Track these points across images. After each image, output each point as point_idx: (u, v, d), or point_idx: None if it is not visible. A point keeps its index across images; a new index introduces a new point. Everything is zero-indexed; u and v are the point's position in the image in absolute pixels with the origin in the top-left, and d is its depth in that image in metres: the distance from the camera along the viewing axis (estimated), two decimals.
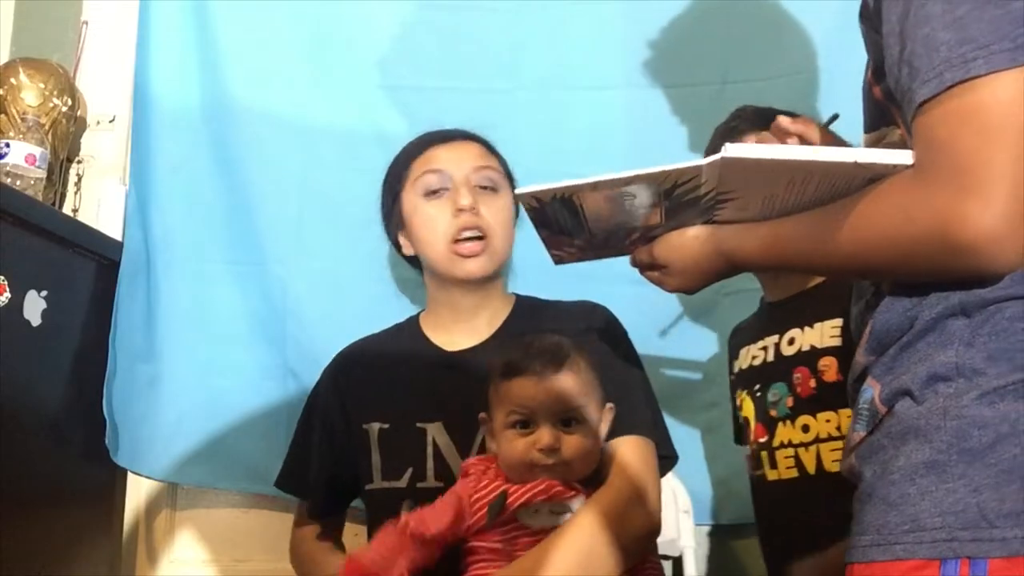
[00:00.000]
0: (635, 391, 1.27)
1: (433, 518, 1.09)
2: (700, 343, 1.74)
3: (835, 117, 1.24)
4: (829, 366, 1.31)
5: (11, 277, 1.39)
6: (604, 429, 1.16)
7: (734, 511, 1.69)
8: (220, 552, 1.78)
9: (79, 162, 1.83)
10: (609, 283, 1.38)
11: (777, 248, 0.84)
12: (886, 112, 0.79)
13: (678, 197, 0.87)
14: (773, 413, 1.38)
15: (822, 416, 1.32)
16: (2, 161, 1.59)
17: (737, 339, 1.54)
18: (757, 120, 1.38)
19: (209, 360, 1.71)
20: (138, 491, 1.78)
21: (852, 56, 0.88)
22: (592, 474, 1.14)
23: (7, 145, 1.61)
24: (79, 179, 1.82)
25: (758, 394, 1.42)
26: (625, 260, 1.03)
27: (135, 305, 1.69)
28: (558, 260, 1.07)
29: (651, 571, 1.18)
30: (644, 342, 1.39)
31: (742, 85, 1.73)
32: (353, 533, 1.47)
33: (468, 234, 1.29)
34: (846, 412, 1.11)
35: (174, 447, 1.67)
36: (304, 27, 1.80)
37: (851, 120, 0.94)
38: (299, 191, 1.75)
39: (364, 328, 1.44)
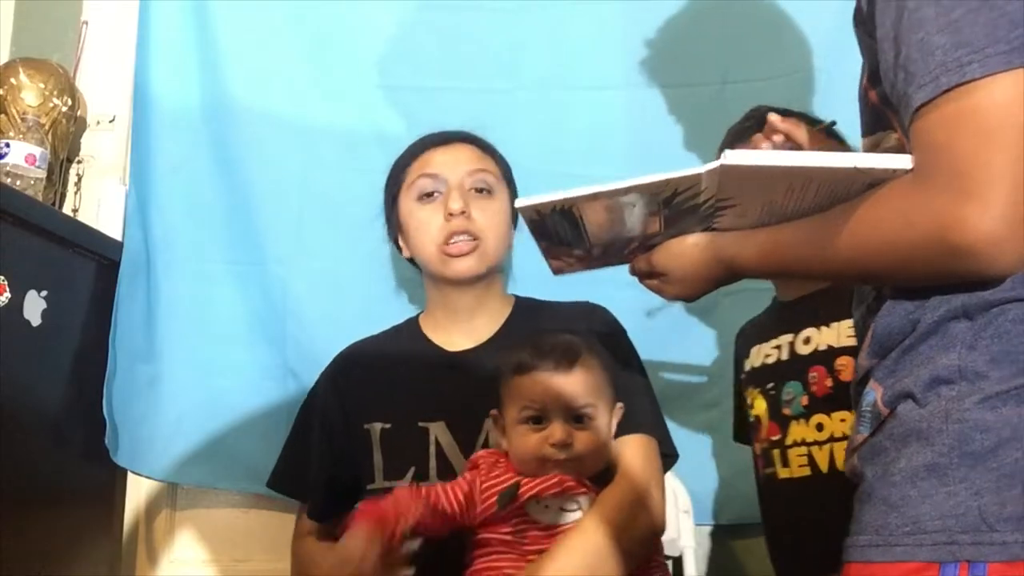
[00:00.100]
0: (637, 390, 1.28)
1: (446, 494, 1.11)
2: (700, 343, 1.74)
3: (832, 124, 1.24)
4: (846, 366, 1.31)
5: (11, 277, 1.39)
6: (614, 427, 1.17)
7: (734, 511, 1.70)
8: (220, 552, 1.78)
9: (79, 162, 1.83)
10: (609, 285, 1.38)
11: (777, 254, 0.84)
12: (882, 116, 0.79)
13: (677, 205, 0.86)
14: (787, 411, 1.39)
15: (837, 415, 1.32)
16: (2, 161, 1.59)
17: (747, 337, 1.54)
18: None
19: (209, 360, 1.71)
20: (138, 491, 1.78)
21: (852, 56, 0.88)
22: (601, 471, 1.16)
23: (7, 145, 1.61)
24: (79, 179, 1.82)
25: (771, 392, 1.42)
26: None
27: (135, 305, 1.69)
28: (557, 270, 1.07)
29: (657, 571, 1.19)
30: (644, 343, 1.39)
31: (742, 85, 1.73)
32: None
33: (459, 238, 1.31)
34: None
35: (174, 447, 1.67)
36: (304, 27, 1.80)
37: (851, 121, 0.93)
38: (299, 191, 1.75)
39: (364, 328, 1.44)
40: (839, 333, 1.34)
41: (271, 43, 1.79)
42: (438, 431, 1.26)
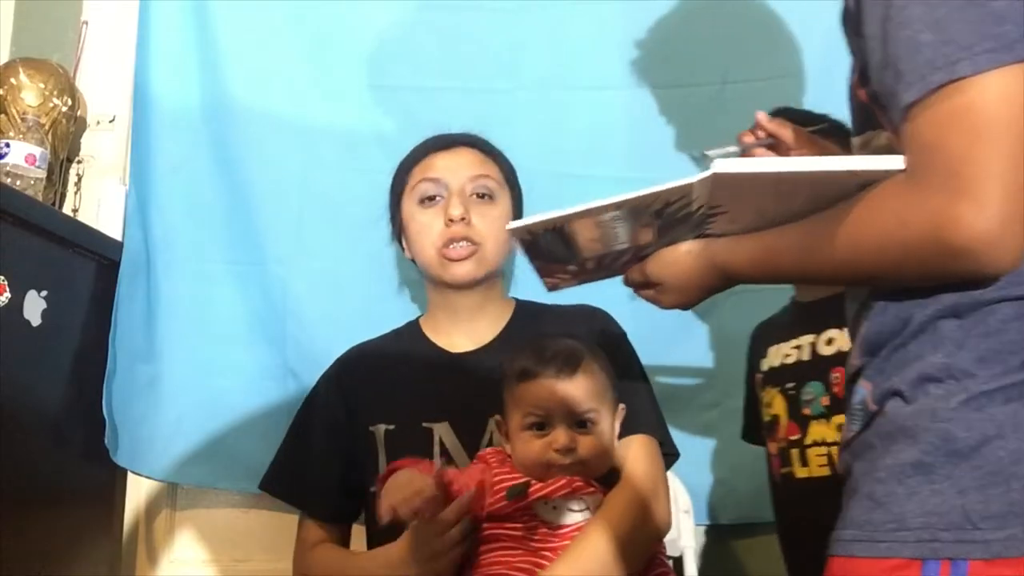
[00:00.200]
0: (638, 391, 1.29)
1: (460, 477, 1.12)
2: (701, 344, 1.74)
3: (824, 126, 1.24)
4: None
5: (11, 277, 1.39)
6: (617, 429, 1.18)
7: (734, 511, 1.70)
8: (220, 552, 1.78)
9: (79, 162, 1.83)
10: (609, 287, 1.38)
11: (770, 259, 0.84)
12: (872, 115, 0.79)
13: (670, 215, 0.86)
14: (806, 411, 1.40)
15: None
16: (2, 161, 1.59)
17: (763, 337, 1.54)
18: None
19: (209, 360, 1.71)
20: (138, 491, 1.78)
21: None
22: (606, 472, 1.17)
23: (7, 145, 1.61)
24: (79, 179, 1.82)
25: (791, 392, 1.43)
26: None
27: (135, 305, 1.69)
28: (552, 287, 1.07)
29: (661, 567, 1.19)
30: (644, 343, 1.38)
31: (742, 85, 1.74)
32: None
33: (458, 243, 1.31)
34: None
35: (174, 447, 1.67)
36: (304, 27, 1.80)
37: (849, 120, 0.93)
38: (299, 191, 1.75)
39: (364, 328, 1.44)
40: None
41: (271, 43, 1.79)
42: (442, 431, 1.26)
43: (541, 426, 1.13)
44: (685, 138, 1.69)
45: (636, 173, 1.47)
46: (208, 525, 1.79)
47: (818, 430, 1.37)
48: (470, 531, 1.11)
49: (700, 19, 1.74)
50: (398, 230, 1.42)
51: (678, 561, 1.54)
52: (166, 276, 1.73)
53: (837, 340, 1.38)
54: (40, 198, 1.62)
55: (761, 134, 1.13)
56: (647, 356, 1.38)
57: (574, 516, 1.12)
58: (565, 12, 1.78)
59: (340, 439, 1.33)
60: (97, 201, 1.78)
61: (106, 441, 1.61)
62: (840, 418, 1.34)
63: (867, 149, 0.82)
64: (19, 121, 1.64)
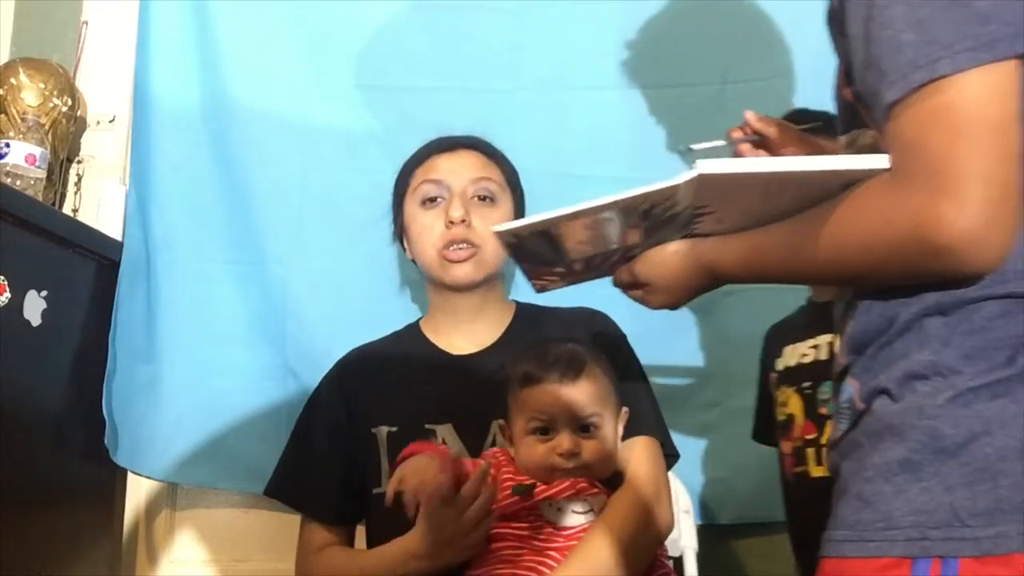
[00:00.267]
0: (639, 393, 1.30)
1: (471, 464, 1.14)
2: (700, 343, 1.74)
3: (816, 125, 1.24)
4: None
5: (11, 277, 1.39)
6: (620, 432, 1.19)
7: (734, 511, 1.70)
8: (220, 552, 1.78)
9: (79, 162, 1.83)
10: (609, 288, 1.38)
11: (757, 258, 0.84)
12: (858, 115, 0.79)
13: (656, 216, 0.86)
14: (823, 411, 1.40)
15: None
16: (2, 161, 1.59)
17: (778, 337, 1.54)
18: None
19: (209, 360, 1.71)
20: (138, 491, 1.78)
21: None
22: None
23: (7, 145, 1.61)
24: (79, 179, 1.82)
25: (807, 391, 1.43)
26: None
27: (135, 305, 1.69)
28: (540, 289, 1.07)
29: (662, 571, 1.20)
30: (644, 343, 1.39)
31: (742, 85, 1.73)
32: None
33: (458, 245, 1.32)
34: None
35: (174, 447, 1.67)
36: (304, 27, 1.80)
37: None
38: (299, 191, 1.75)
39: (364, 328, 1.44)
40: None
41: (271, 43, 1.79)
42: (445, 433, 1.27)
43: (545, 431, 1.14)
44: (685, 138, 1.68)
45: (636, 173, 1.45)
46: (208, 525, 1.79)
47: None
48: (485, 515, 1.11)
49: (700, 19, 1.74)
50: (400, 231, 1.42)
51: (678, 561, 1.54)
52: (166, 276, 1.73)
53: None
54: (40, 198, 1.62)
55: (748, 130, 1.14)
56: (647, 356, 1.38)
57: (578, 517, 1.12)
58: (565, 12, 1.78)
59: (342, 441, 1.33)
60: (97, 201, 1.78)
61: (106, 441, 1.61)
62: None
63: (853, 148, 0.82)
64: (19, 121, 1.64)
